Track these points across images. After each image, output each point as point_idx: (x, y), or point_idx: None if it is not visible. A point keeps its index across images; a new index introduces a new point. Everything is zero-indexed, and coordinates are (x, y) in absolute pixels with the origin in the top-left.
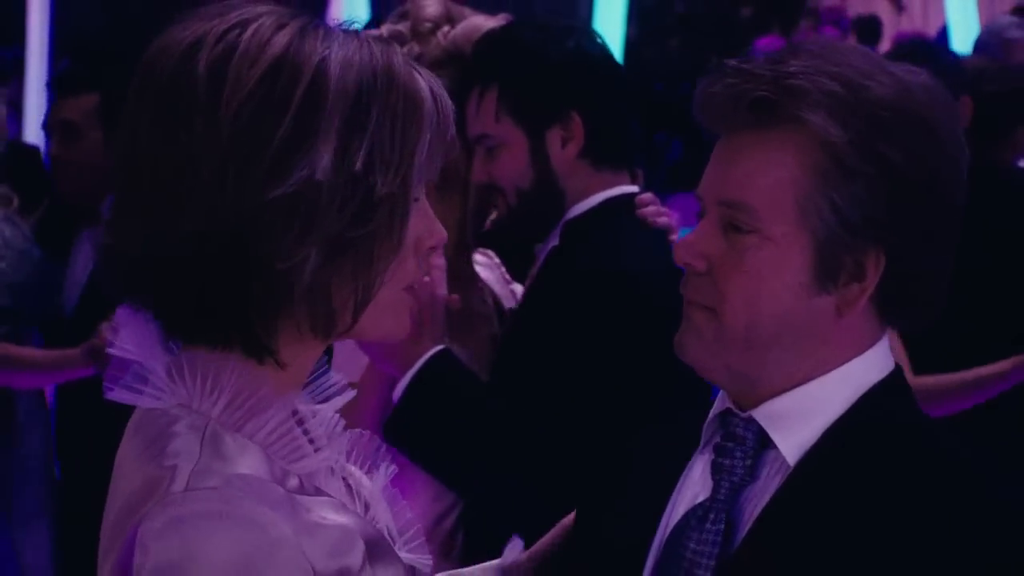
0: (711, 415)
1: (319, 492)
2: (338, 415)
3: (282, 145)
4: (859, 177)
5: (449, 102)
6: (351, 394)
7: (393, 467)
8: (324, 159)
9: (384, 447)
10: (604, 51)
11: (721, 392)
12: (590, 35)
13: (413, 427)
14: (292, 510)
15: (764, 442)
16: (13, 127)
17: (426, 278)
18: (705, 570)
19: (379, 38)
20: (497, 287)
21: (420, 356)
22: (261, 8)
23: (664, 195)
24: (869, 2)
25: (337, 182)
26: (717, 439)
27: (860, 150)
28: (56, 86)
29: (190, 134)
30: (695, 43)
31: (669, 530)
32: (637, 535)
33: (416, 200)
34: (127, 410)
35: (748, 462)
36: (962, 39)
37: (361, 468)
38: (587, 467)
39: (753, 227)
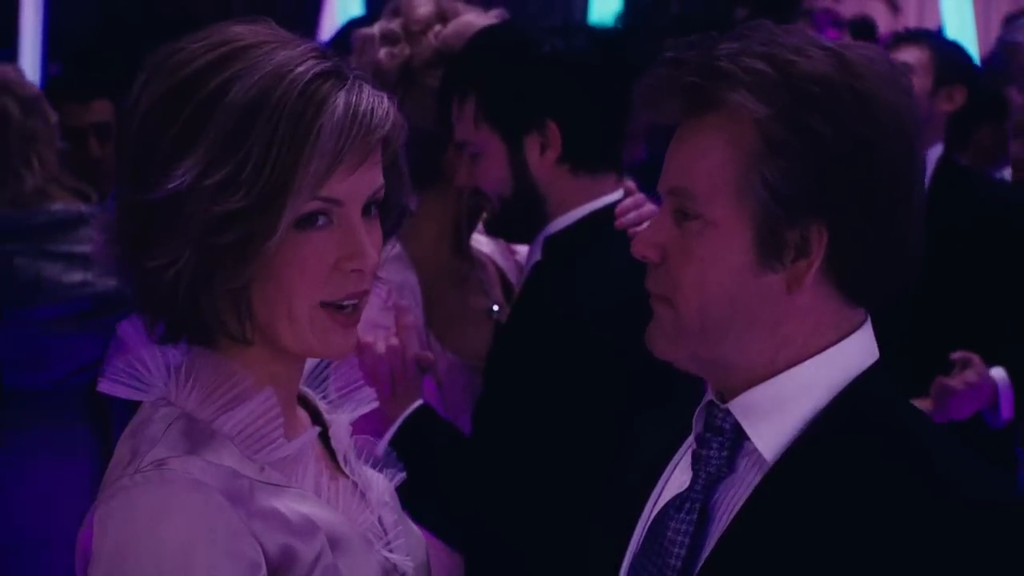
0: (699, 408)
1: (286, 483)
2: (350, 423)
3: (164, 153)
4: (786, 151)
5: (377, 119)
6: (373, 405)
7: (401, 473)
8: (189, 172)
9: (394, 453)
10: (588, 52)
11: (708, 383)
12: (574, 35)
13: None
14: (246, 494)
15: (742, 433)
16: None
17: (394, 341)
18: (676, 559)
19: (318, 54)
20: (501, 260)
21: (396, 417)
22: (242, 28)
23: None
24: (864, 2)
25: (196, 194)
26: (699, 429)
27: (785, 124)
28: (82, 89)
29: (121, 137)
30: None
31: (653, 516)
32: (623, 520)
33: (326, 218)
34: None
35: (725, 453)
36: (956, 39)
37: (371, 470)
38: (557, 517)
39: (697, 212)
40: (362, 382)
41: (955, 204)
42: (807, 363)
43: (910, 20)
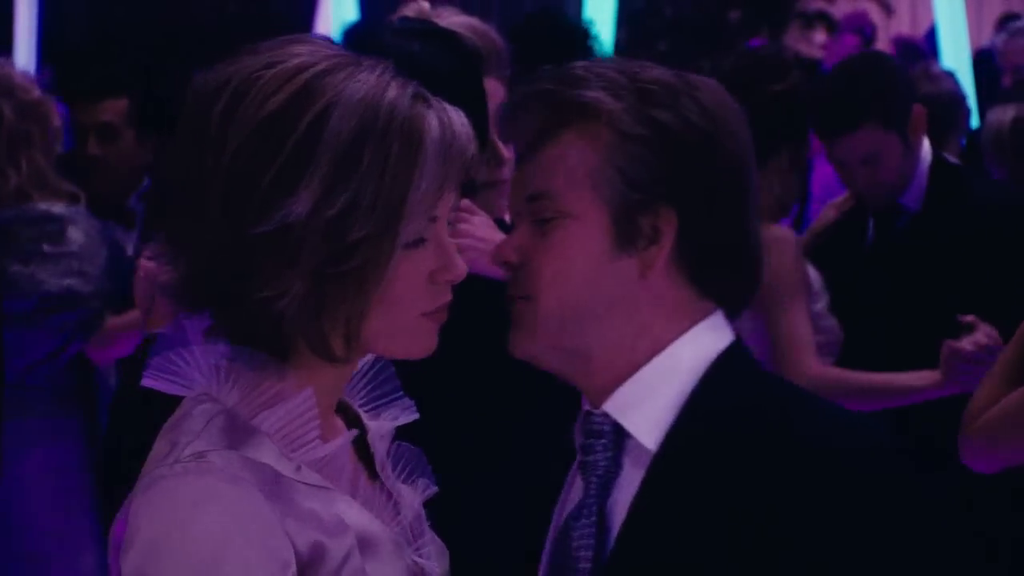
0: (576, 425)
1: (321, 483)
2: (393, 430)
3: (269, 186)
4: (637, 139)
5: (464, 140)
6: (413, 416)
7: (431, 485)
8: (304, 203)
9: (427, 462)
10: (434, 59)
11: (584, 400)
12: (428, 40)
13: None
14: (282, 491)
15: (621, 432)
16: None
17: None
18: (584, 568)
19: (401, 75)
20: None
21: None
22: (301, 48)
23: None
24: (857, 4)
25: (315, 225)
26: (581, 440)
27: (634, 116)
28: (91, 89)
29: (200, 167)
30: (683, 47)
31: (556, 534)
32: (528, 547)
33: (424, 237)
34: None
35: (609, 454)
36: (950, 41)
37: (403, 478)
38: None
39: (555, 210)
40: (401, 392)
41: (949, 204)
42: (667, 350)
43: (903, 20)
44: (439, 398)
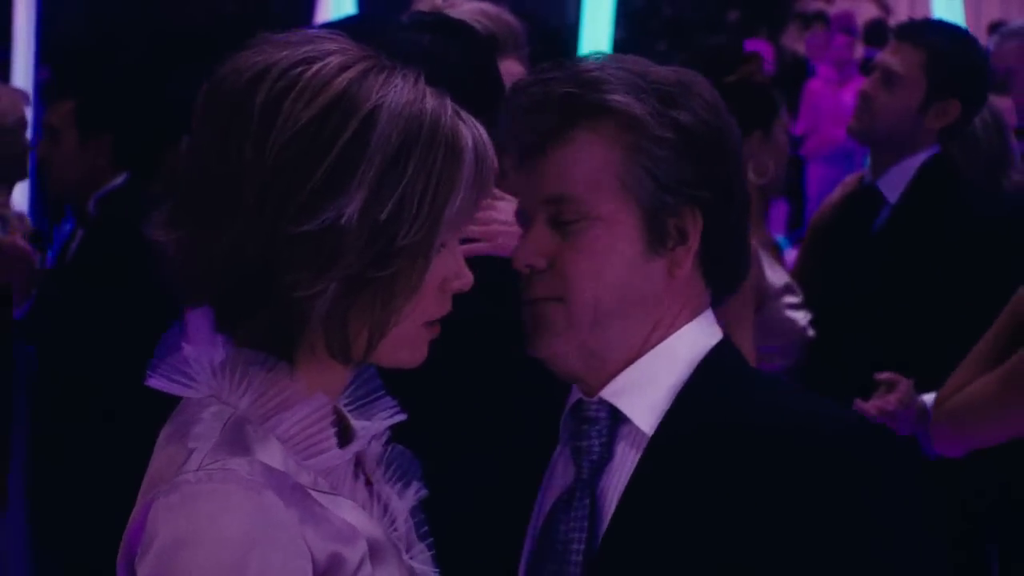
0: (565, 413)
1: (332, 490)
2: (386, 432)
3: (317, 186)
4: (663, 142)
5: (492, 153)
6: (402, 416)
7: (423, 488)
8: (352, 205)
9: (418, 465)
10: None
11: (573, 389)
12: (423, 30)
13: None
14: (299, 499)
15: (617, 418)
16: None
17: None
18: (577, 550)
19: (431, 84)
20: None
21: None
22: (331, 45)
23: None
24: (855, 3)
25: (361, 228)
26: (572, 427)
27: (658, 119)
28: (43, 92)
29: (239, 159)
30: (682, 47)
31: (541, 520)
32: (507, 534)
33: (443, 246)
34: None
35: (603, 440)
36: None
37: (395, 482)
38: None
39: (580, 213)
40: (383, 391)
41: (929, 201)
42: (669, 339)
43: (902, 20)
44: (411, 395)
